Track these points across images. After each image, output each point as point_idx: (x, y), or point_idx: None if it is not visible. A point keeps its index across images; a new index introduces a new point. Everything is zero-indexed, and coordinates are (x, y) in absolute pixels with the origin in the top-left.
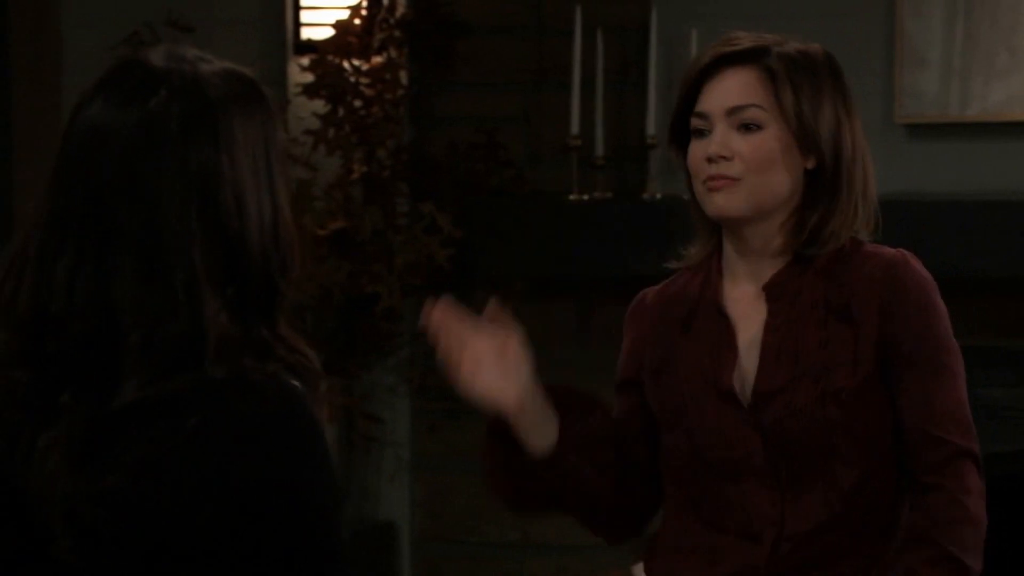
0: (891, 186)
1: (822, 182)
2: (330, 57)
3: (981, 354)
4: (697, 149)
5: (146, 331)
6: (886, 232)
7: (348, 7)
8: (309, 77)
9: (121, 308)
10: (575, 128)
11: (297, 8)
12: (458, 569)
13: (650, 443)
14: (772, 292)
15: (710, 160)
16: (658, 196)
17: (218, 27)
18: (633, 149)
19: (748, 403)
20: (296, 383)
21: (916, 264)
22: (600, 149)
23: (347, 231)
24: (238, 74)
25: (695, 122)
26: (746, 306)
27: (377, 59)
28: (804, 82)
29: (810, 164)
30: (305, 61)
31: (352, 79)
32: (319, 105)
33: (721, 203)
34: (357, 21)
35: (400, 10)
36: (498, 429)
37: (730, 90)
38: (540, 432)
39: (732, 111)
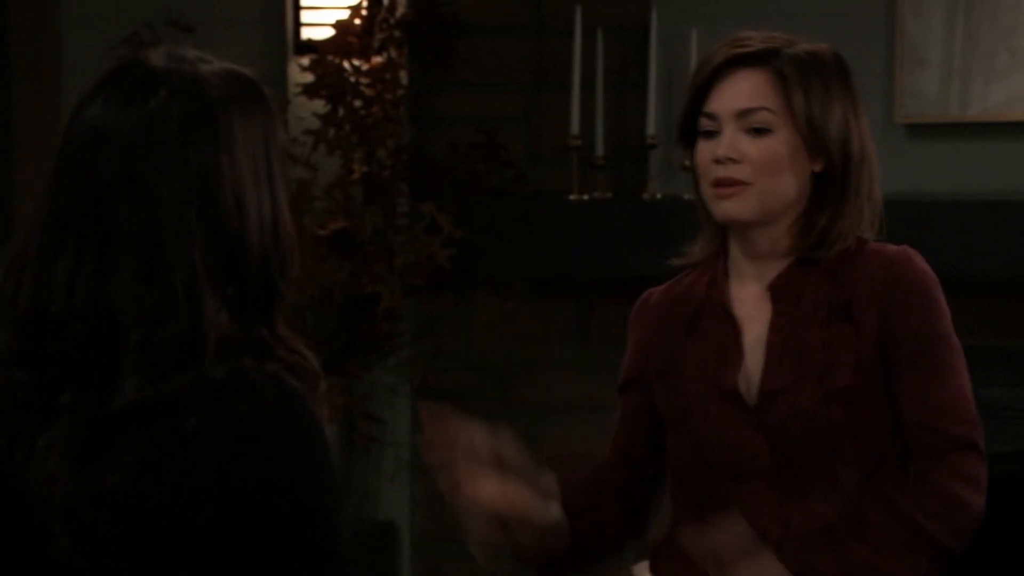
0: (891, 186)
1: (830, 185)
2: (330, 57)
3: (981, 354)
4: (705, 149)
5: (146, 331)
6: (886, 232)
7: (348, 7)
8: (309, 77)
9: (121, 308)
10: (575, 128)
11: (297, 8)
12: (458, 569)
13: (652, 443)
14: (777, 293)
15: (718, 162)
16: (658, 196)
17: (218, 27)
18: (633, 149)
19: (753, 404)
20: (296, 383)
21: (918, 260)
22: (600, 149)
23: (347, 231)
24: (238, 74)
25: (704, 122)
26: (751, 307)
27: (377, 59)
28: (815, 85)
29: (817, 167)
30: (305, 61)
31: (352, 79)
32: (319, 105)
33: (729, 209)
34: (357, 21)
35: (400, 10)
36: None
37: (740, 92)
38: (544, 513)
39: (742, 114)
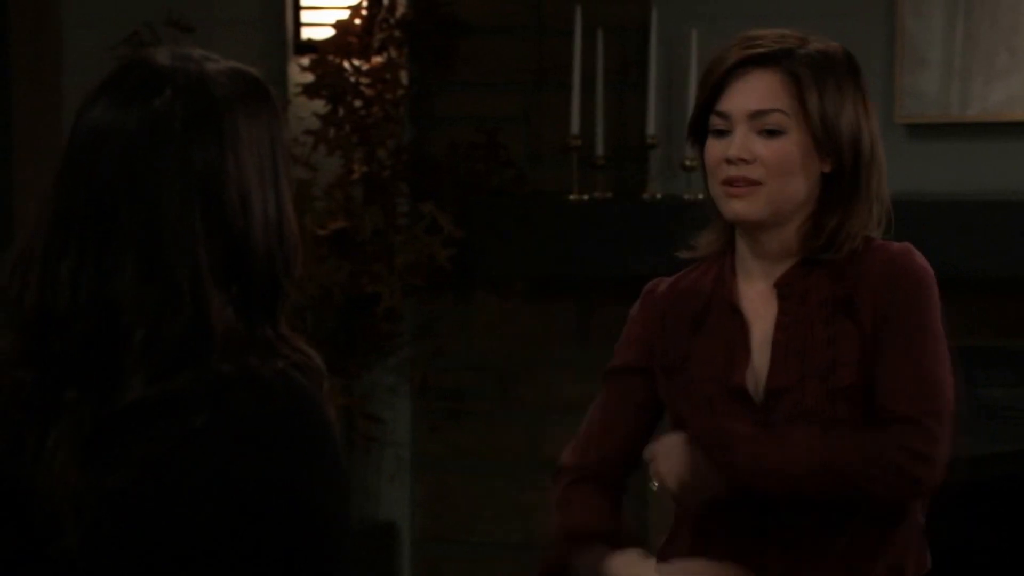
0: (891, 186)
1: (840, 186)
2: (330, 57)
3: (981, 354)
4: (716, 148)
5: (150, 328)
6: (893, 231)
7: (348, 7)
8: (309, 77)
9: (123, 306)
10: (575, 128)
11: (297, 8)
12: (458, 569)
13: (648, 438)
14: (783, 291)
15: (729, 161)
16: (658, 196)
17: (218, 27)
18: (633, 149)
19: (760, 402)
20: (304, 380)
21: (917, 256)
22: (600, 149)
23: (347, 231)
24: (244, 73)
25: (715, 121)
26: (759, 304)
27: (377, 59)
28: (828, 86)
29: (827, 168)
30: (305, 61)
31: (352, 79)
32: (319, 105)
33: (739, 208)
34: (357, 21)
35: (400, 10)
36: None
37: (753, 93)
38: None
39: (755, 115)
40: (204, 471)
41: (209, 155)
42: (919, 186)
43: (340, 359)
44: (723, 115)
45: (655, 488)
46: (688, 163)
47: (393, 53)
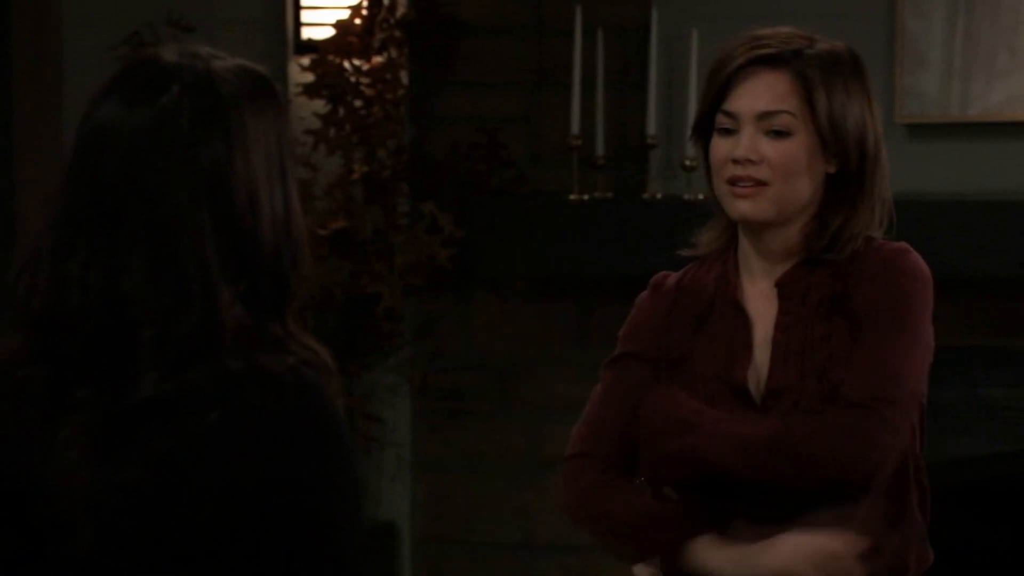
0: (891, 186)
1: (844, 187)
2: (330, 57)
3: (981, 354)
4: (722, 147)
5: (159, 326)
6: (895, 231)
7: (348, 7)
8: (309, 77)
9: (133, 303)
10: (575, 128)
11: (297, 8)
12: (458, 569)
13: None
14: (784, 290)
15: (736, 161)
16: (658, 196)
17: (218, 27)
18: (633, 149)
19: (760, 400)
20: (314, 376)
21: (913, 255)
22: (600, 149)
23: (348, 231)
24: (251, 71)
25: (722, 120)
26: (761, 303)
27: (377, 59)
28: (836, 87)
29: (832, 169)
30: (305, 61)
31: (352, 79)
32: (319, 105)
33: (745, 208)
34: (357, 21)
35: (400, 10)
36: None
37: (761, 94)
38: None
39: (763, 116)
40: (216, 467)
41: (216, 152)
42: (919, 186)
43: (340, 359)
44: (730, 114)
45: None
46: (688, 163)
47: (393, 53)
